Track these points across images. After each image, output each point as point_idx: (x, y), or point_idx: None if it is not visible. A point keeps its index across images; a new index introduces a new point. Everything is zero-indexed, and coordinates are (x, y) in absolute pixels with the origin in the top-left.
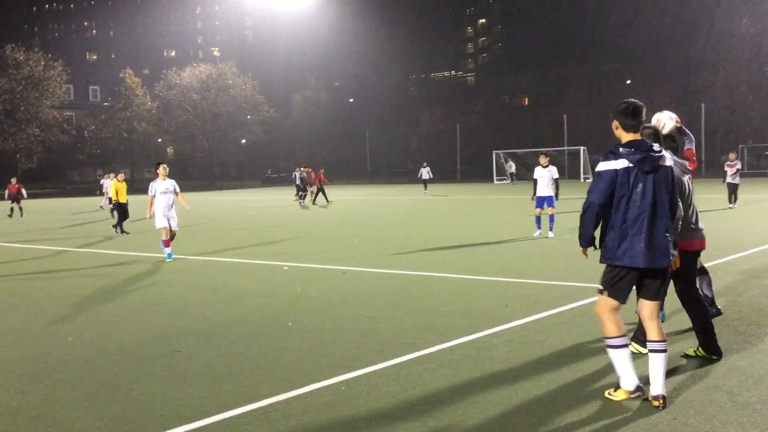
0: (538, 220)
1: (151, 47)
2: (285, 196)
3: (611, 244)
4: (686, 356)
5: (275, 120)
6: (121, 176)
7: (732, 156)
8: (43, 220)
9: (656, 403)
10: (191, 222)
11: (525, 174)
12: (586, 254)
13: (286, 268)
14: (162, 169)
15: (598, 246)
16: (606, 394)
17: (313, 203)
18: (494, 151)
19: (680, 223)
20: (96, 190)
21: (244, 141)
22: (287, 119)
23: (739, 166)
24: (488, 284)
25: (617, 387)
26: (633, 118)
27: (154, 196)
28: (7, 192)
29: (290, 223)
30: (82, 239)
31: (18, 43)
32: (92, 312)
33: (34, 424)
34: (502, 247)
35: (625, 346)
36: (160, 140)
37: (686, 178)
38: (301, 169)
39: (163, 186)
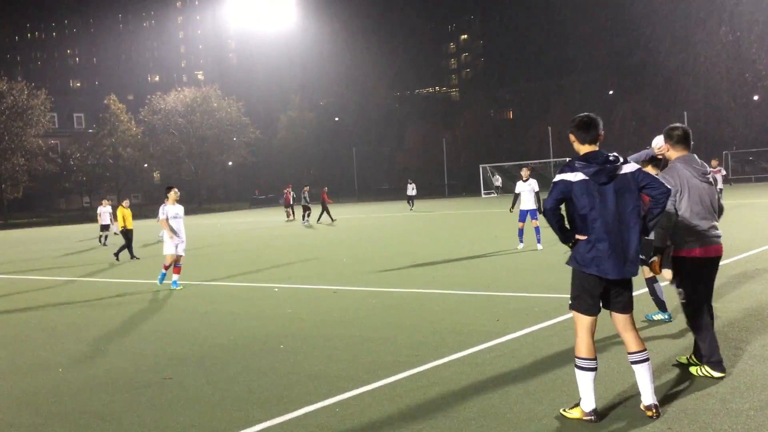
0: (521, 233)
1: (135, 73)
2: (273, 217)
3: (582, 251)
4: (679, 364)
5: (261, 141)
6: (126, 203)
7: (714, 163)
8: (33, 249)
9: (649, 413)
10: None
11: (511, 187)
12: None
13: (276, 289)
14: (173, 194)
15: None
16: (561, 410)
17: (318, 222)
18: (481, 165)
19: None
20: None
21: (230, 163)
22: (273, 140)
23: (724, 172)
24: (479, 299)
25: (575, 405)
26: (587, 131)
27: (166, 219)
28: None
29: (278, 244)
30: (77, 268)
31: (1, 73)
32: (81, 342)
33: None
34: (491, 261)
35: (592, 369)
36: (146, 165)
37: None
38: (286, 190)
39: (173, 210)
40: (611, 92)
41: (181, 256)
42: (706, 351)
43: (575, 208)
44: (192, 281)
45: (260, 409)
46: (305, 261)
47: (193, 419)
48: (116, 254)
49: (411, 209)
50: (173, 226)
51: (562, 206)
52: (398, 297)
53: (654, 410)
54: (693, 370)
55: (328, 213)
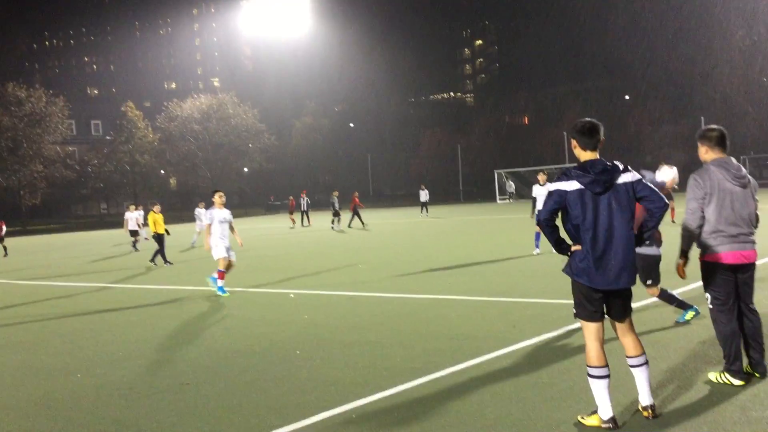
0: (538, 236)
1: (152, 80)
2: (288, 223)
3: (575, 260)
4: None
5: (276, 147)
6: (157, 207)
7: None
8: (57, 255)
9: (646, 414)
10: (195, 252)
11: (526, 192)
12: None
13: (292, 295)
14: (219, 197)
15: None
16: (579, 417)
17: (349, 227)
18: (496, 171)
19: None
20: (110, 222)
21: (246, 169)
22: (288, 146)
23: None
24: (495, 305)
25: (593, 412)
26: (590, 136)
27: (211, 224)
28: None
29: (294, 250)
30: (107, 274)
31: (20, 81)
32: (100, 347)
33: None
34: (506, 267)
35: (604, 377)
36: (162, 172)
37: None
38: (291, 197)
39: (221, 215)
40: (627, 97)
41: (233, 262)
42: (728, 357)
43: (569, 218)
44: (198, 287)
45: (277, 415)
46: (321, 267)
47: (211, 425)
48: (152, 260)
49: (425, 215)
50: (219, 231)
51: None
52: (414, 303)
53: (650, 411)
54: (712, 377)
55: (359, 217)
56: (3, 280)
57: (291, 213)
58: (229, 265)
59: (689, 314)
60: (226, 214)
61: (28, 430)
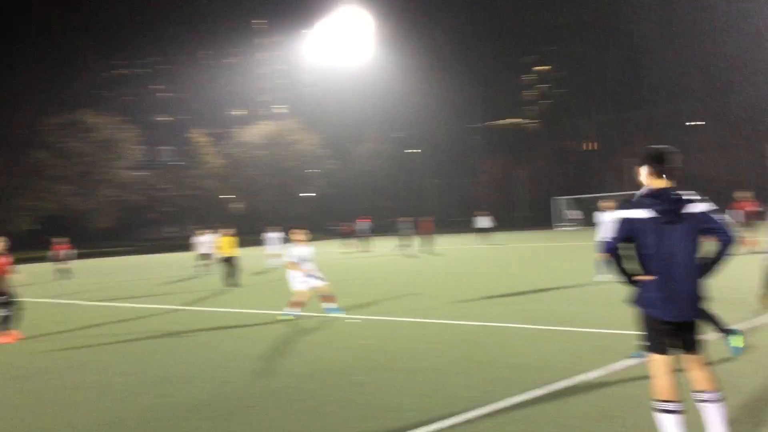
0: (599, 264)
1: (218, 107)
2: (347, 248)
3: (642, 290)
4: None
5: (338, 173)
6: (229, 231)
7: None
8: (128, 277)
9: None
10: (265, 276)
11: (589, 219)
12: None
13: (352, 321)
14: (297, 235)
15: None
16: None
17: (417, 252)
18: (553, 198)
19: None
20: (176, 245)
21: (308, 194)
22: (348, 172)
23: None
24: (556, 334)
25: None
26: (663, 163)
27: (294, 262)
28: (53, 253)
29: (355, 275)
30: (178, 296)
31: (94, 108)
32: (167, 368)
33: None
34: (567, 295)
35: (674, 412)
36: (226, 196)
37: None
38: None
39: (300, 252)
40: (694, 123)
41: (316, 288)
42: None
43: (637, 247)
44: (268, 310)
45: None
46: (381, 292)
47: None
48: (228, 283)
49: (486, 242)
50: (300, 268)
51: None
52: (474, 330)
53: None
54: None
55: (429, 243)
56: (77, 301)
57: (347, 238)
58: (310, 295)
59: (737, 338)
60: (305, 251)
61: None
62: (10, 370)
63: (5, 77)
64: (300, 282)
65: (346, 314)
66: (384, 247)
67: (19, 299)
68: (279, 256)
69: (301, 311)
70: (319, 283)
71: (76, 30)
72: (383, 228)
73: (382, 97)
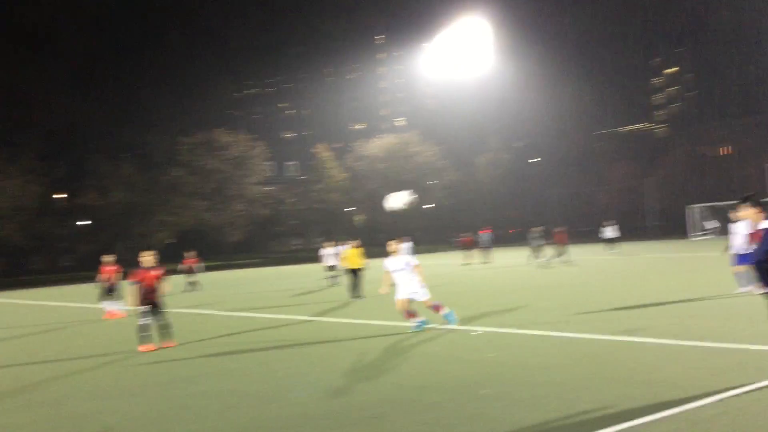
0: (741, 276)
1: (341, 121)
2: (465, 259)
3: None
4: None
5: (458, 184)
6: (355, 243)
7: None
8: (259, 289)
9: None
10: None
11: (726, 228)
12: None
13: (475, 333)
14: (389, 246)
15: None
16: None
17: (548, 261)
18: (687, 206)
19: None
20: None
21: (429, 206)
22: (469, 183)
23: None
24: (692, 350)
25: None
26: None
27: (388, 272)
28: (184, 266)
29: (476, 287)
30: (308, 307)
31: (227, 127)
32: (298, 377)
33: None
34: (702, 308)
35: None
36: (349, 209)
37: None
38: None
39: (393, 264)
40: None
41: (410, 300)
42: None
43: None
44: (389, 321)
45: None
46: (505, 304)
47: None
48: (353, 295)
49: (613, 252)
50: (398, 278)
51: None
52: (603, 344)
53: None
54: None
55: (563, 253)
56: (212, 312)
57: (468, 249)
58: (408, 305)
59: None
60: (398, 262)
61: None
62: (155, 376)
63: (147, 102)
64: (398, 292)
65: (458, 325)
66: (506, 258)
67: (166, 310)
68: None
69: (427, 323)
70: (418, 294)
71: (209, 55)
72: (505, 239)
73: (502, 106)
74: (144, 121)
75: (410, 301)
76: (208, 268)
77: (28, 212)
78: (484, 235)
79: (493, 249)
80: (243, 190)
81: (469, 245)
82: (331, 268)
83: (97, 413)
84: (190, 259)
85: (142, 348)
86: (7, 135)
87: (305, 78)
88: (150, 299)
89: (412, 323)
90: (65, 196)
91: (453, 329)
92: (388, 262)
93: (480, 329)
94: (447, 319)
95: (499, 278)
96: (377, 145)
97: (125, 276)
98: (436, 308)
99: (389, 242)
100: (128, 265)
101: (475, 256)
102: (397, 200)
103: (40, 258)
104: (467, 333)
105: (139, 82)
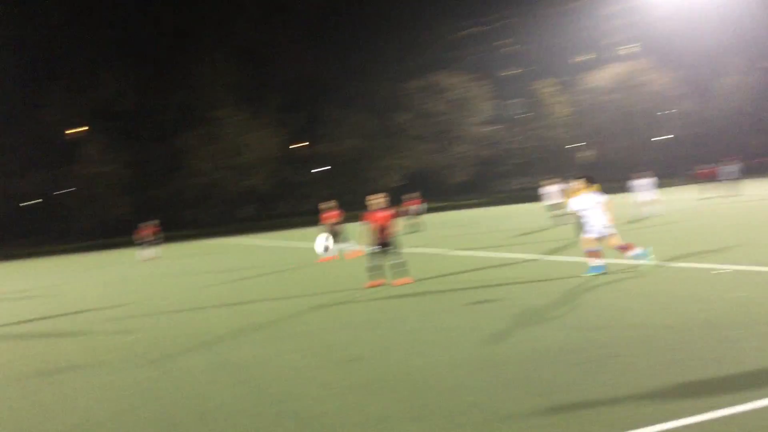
0: None
1: (564, 55)
2: (709, 193)
3: None
4: None
5: (695, 112)
6: (578, 182)
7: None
8: (485, 229)
9: None
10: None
11: None
12: None
13: (718, 271)
14: (578, 184)
15: None
16: None
17: None
18: None
19: None
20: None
21: (663, 137)
22: (708, 110)
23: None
24: None
25: None
26: None
27: (575, 211)
28: (406, 208)
29: (719, 222)
30: (534, 245)
31: (447, 69)
32: (531, 316)
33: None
34: None
35: None
36: (573, 146)
37: None
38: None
39: (576, 204)
40: None
41: (598, 239)
42: None
43: None
44: (618, 260)
45: (714, 397)
46: (755, 240)
47: (639, 396)
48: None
49: None
50: (584, 218)
51: None
52: None
53: None
54: None
55: None
56: (439, 250)
57: (707, 182)
58: (596, 244)
59: None
60: (583, 202)
61: (458, 386)
62: (384, 312)
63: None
64: (587, 232)
65: (653, 258)
66: (756, 190)
67: (400, 249)
68: (653, 203)
69: (657, 261)
70: (606, 233)
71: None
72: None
73: (745, 23)
74: (370, 71)
75: (599, 239)
76: (433, 210)
77: (272, 162)
78: (730, 166)
79: (740, 181)
80: (465, 131)
81: (708, 177)
82: (554, 206)
83: (347, 343)
84: (412, 200)
85: (369, 284)
86: (253, 92)
87: (524, 12)
88: (382, 239)
89: (594, 263)
90: (306, 144)
91: (692, 267)
92: (574, 202)
93: (725, 267)
94: (639, 257)
95: (746, 213)
96: (604, 76)
97: (353, 219)
98: (624, 248)
99: (573, 182)
100: (358, 209)
101: (715, 189)
102: (318, 245)
103: (284, 203)
104: (702, 271)
105: (364, 33)
